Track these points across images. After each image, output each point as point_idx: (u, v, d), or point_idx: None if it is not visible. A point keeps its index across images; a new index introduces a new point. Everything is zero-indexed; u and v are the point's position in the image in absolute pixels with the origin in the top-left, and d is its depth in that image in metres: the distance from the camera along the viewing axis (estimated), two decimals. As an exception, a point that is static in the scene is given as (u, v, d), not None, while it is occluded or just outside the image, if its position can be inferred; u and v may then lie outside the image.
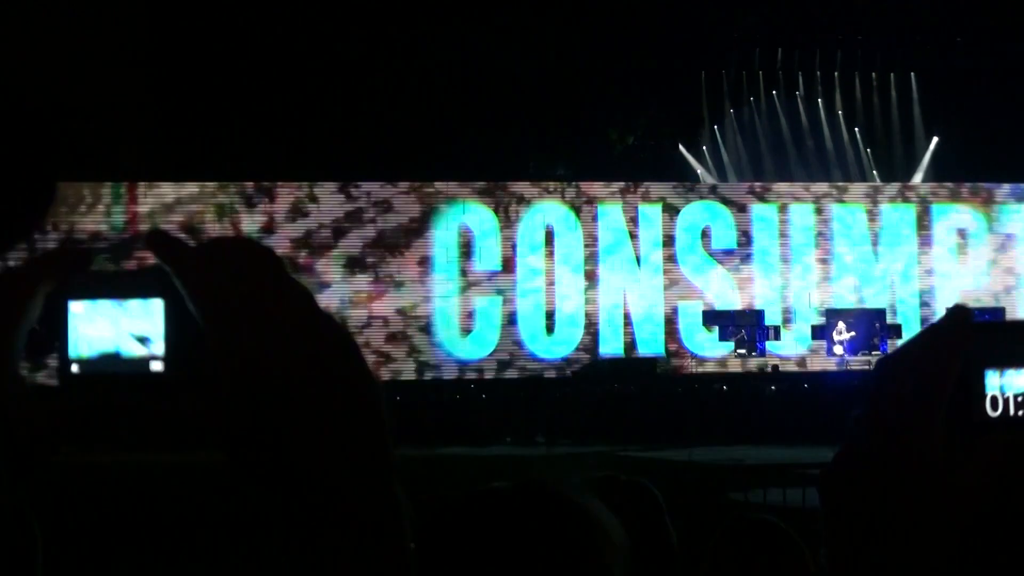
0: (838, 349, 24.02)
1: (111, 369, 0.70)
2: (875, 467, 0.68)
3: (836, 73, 28.29)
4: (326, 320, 0.70)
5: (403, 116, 24.08)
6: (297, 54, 23.60)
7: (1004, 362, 0.69)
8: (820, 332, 24.38)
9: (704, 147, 28.02)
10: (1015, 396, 0.69)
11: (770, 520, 2.45)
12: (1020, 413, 0.69)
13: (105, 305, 0.71)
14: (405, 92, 24.42)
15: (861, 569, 0.67)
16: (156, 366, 0.70)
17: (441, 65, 24.45)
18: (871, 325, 24.18)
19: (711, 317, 24.49)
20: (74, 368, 0.71)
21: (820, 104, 28.39)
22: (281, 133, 23.31)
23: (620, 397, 20.17)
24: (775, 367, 23.47)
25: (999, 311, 24.50)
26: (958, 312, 0.70)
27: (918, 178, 27.63)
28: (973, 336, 0.69)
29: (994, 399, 0.69)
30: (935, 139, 28.04)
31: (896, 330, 24.06)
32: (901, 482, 0.67)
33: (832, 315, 24.47)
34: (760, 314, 24.46)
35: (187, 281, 0.69)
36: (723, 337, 24.17)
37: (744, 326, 24.17)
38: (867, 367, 22.27)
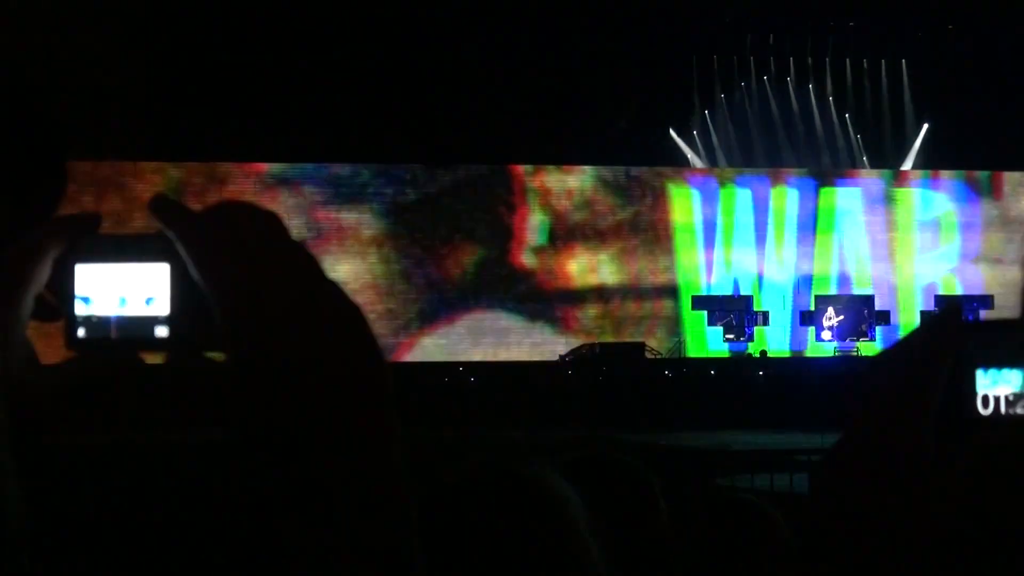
0: (826, 335, 24.12)
1: (117, 333, 0.71)
2: (866, 462, 0.68)
3: (827, 59, 28.26)
4: (332, 287, 0.69)
5: (393, 103, 23.99)
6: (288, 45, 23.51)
7: (995, 361, 0.69)
8: (809, 318, 24.45)
9: (695, 132, 27.99)
10: (1005, 395, 0.69)
11: (751, 499, 2.45)
12: (1011, 412, 0.69)
13: (111, 269, 0.71)
14: (391, 76, 24.31)
15: (845, 561, 0.67)
16: (161, 331, 0.70)
17: (425, 48, 24.33)
18: (859, 311, 24.27)
19: (700, 302, 24.49)
20: (80, 332, 0.71)
21: (811, 90, 28.37)
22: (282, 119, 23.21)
23: (608, 381, 20.18)
24: (763, 352, 23.52)
25: (987, 299, 24.60)
26: (949, 310, 0.70)
27: (908, 164, 27.66)
28: (964, 334, 0.69)
29: (985, 397, 0.69)
30: (925, 125, 28.06)
31: (884, 316, 24.15)
32: (891, 478, 0.67)
33: (822, 301, 24.54)
34: (748, 299, 24.46)
35: (190, 246, 0.69)
36: (711, 322, 24.19)
37: (733, 311, 24.19)
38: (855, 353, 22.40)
